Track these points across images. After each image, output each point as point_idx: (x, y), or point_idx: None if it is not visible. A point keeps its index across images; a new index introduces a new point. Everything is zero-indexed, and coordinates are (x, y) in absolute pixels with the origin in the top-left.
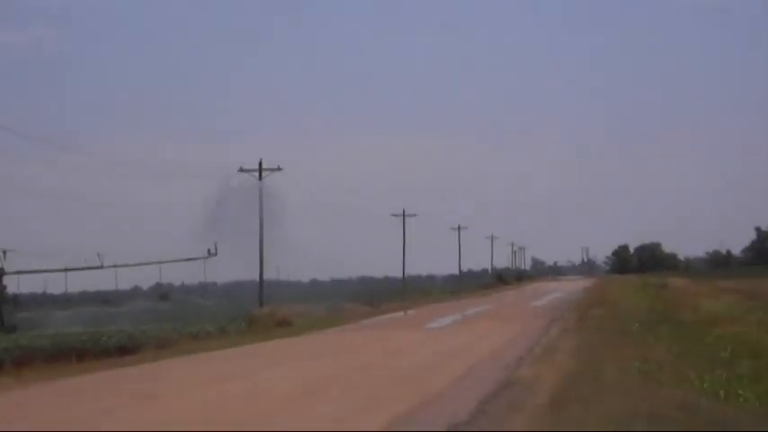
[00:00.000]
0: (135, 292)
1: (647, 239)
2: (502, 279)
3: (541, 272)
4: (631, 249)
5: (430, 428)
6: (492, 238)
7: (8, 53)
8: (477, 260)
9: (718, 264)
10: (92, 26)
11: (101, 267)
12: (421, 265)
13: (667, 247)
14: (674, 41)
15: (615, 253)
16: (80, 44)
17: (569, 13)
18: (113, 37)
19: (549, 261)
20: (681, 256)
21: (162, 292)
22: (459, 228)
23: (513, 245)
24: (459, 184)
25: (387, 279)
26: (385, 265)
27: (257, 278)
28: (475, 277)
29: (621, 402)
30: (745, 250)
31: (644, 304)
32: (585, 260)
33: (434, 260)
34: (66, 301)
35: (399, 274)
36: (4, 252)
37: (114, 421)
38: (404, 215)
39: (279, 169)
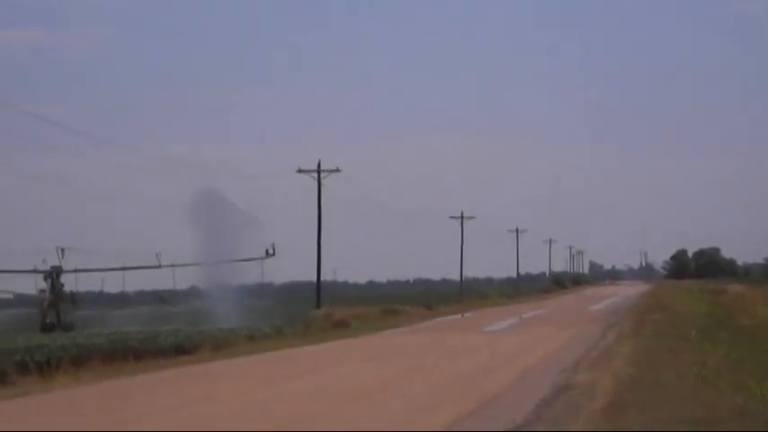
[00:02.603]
0: (192, 292)
1: (705, 244)
2: (559, 283)
3: (599, 276)
4: (690, 254)
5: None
6: (550, 241)
7: (53, 52)
8: (535, 263)
9: None
10: (146, 25)
11: (158, 267)
12: (478, 268)
13: (727, 253)
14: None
15: (673, 257)
16: (130, 43)
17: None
18: (168, 37)
19: (608, 265)
20: (740, 262)
21: (218, 293)
22: (517, 231)
23: (571, 248)
24: (519, 186)
25: (444, 281)
26: (442, 268)
27: (314, 279)
28: (532, 281)
29: (679, 408)
30: None
31: (702, 310)
32: (644, 264)
33: (492, 263)
34: (123, 300)
35: (456, 277)
36: (63, 250)
37: (170, 421)
38: (462, 217)
39: (337, 170)
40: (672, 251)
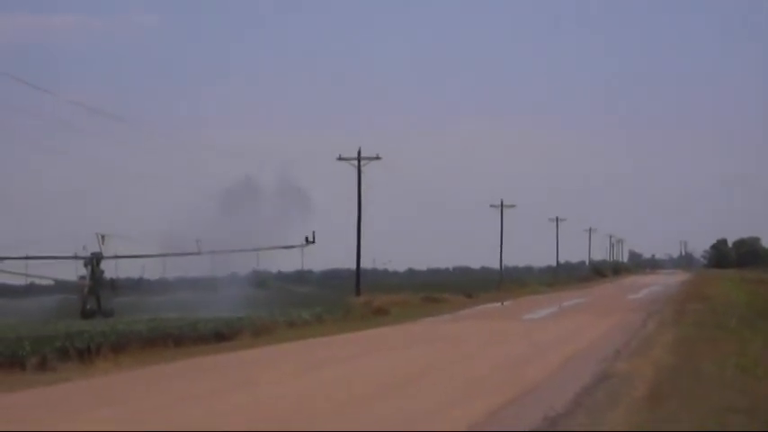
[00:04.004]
0: (232, 279)
1: (746, 234)
2: (599, 271)
3: (639, 265)
4: (730, 243)
5: (528, 419)
6: (590, 230)
7: (95, 38)
8: (575, 252)
9: None
10: (188, 12)
11: (198, 254)
12: (518, 257)
13: (767, 242)
14: None
15: (713, 247)
16: (178, 30)
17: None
18: (213, 23)
19: (647, 254)
20: None
21: (259, 279)
22: (557, 219)
23: (610, 237)
24: (559, 175)
25: (483, 269)
26: (482, 256)
27: (354, 267)
28: (572, 269)
29: (719, 397)
30: None
31: (742, 299)
32: (683, 254)
33: (532, 251)
34: (163, 286)
35: (496, 265)
36: (103, 237)
37: (208, 406)
38: (501, 206)
39: (378, 158)
40: (712, 240)
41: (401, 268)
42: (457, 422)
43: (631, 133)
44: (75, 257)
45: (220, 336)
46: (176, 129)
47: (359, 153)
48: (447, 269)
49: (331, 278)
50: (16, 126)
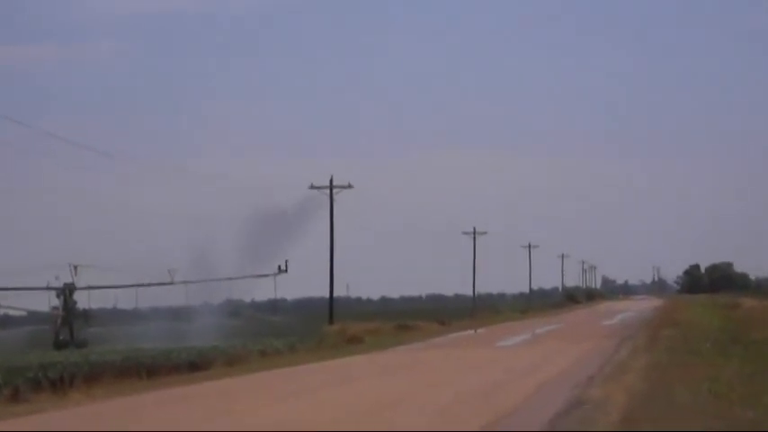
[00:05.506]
0: (205, 308)
1: (718, 259)
2: (572, 298)
3: (612, 290)
4: (702, 269)
5: None
6: (563, 256)
7: (69, 67)
8: (548, 278)
9: None
10: (155, 38)
11: (171, 283)
12: (491, 284)
13: (739, 267)
14: None
15: (686, 272)
16: (145, 56)
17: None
18: (181, 51)
19: (620, 280)
20: (752, 277)
21: (232, 309)
22: (529, 246)
23: (583, 263)
24: (531, 202)
25: (457, 297)
26: (455, 283)
27: (327, 295)
28: (545, 295)
29: (692, 422)
30: None
31: (715, 324)
32: (656, 279)
33: (504, 278)
34: (136, 316)
35: (469, 292)
36: (75, 267)
37: None
38: (474, 233)
39: (349, 186)
40: (684, 266)
41: (374, 296)
42: None
43: (603, 160)
44: (48, 288)
45: (194, 366)
46: (149, 157)
47: (331, 182)
48: (420, 297)
49: (304, 306)
50: None
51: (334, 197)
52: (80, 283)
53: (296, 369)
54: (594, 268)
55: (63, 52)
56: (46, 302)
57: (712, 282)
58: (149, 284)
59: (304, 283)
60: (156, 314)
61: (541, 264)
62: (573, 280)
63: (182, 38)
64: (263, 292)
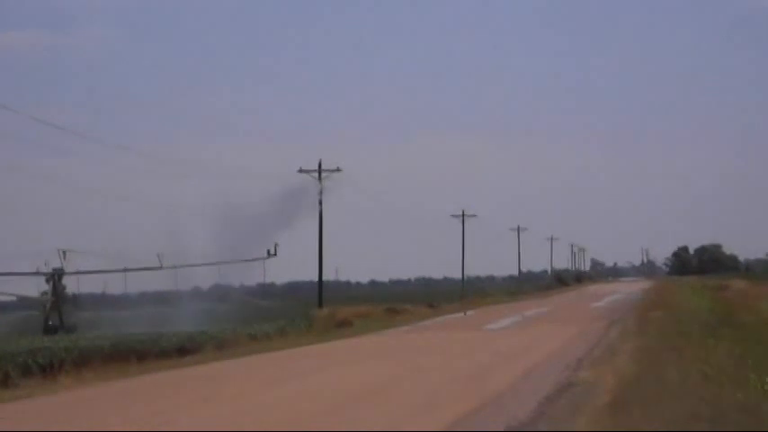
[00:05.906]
0: (194, 293)
1: (707, 241)
2: (561, 280)
3: (601, 273)
4: (691, 251)
5: (491, 428)
6: (552, 239)
7: (56, 54)
8: (537, 261)
9: None
10: (144, 25)
11: (160, 268)
12: (480, 266)
13: (728, 249)
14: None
15: (675, 254)
16: (134, 44)
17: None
18: (168, 37)
19: (609, 262)
20: (741, 258)
21: (221, 293)
22: (518, 229)
23: (572, 246)
24: (520, 184)
25: (446, 280)
26: (444, 266)
27: (316, 279)
28: (534, 278)
29: (682, 405)
30: None
31: (704, 306)
32: (645, 261)
33: (494, 261)
34: (125, 301)
35: (458, 275)
36: (64, 252)
37: (169, 423)
38: (463, 216)
39: (338, 170)
40: (673, 248)
41: (364, 280)
42: None
43: (592, 142)
44: (37, 273)
45: (183, 350)
46: (138, 144)
47: (320, 165)
48: (409, 280)
49: (293, 291)
50: None
51: (323, 181)
52: (69, 268)
53: (285, 353)
54: (583, 251)
55: (50, 38)
56: (35, 288)
57: (701, 263)
58: (138, 269)
59: (293, 268)
60: (145, 299)
61: (530, 247)
62: (562, 263)
63: (170, 24)
64: (252, 276)
